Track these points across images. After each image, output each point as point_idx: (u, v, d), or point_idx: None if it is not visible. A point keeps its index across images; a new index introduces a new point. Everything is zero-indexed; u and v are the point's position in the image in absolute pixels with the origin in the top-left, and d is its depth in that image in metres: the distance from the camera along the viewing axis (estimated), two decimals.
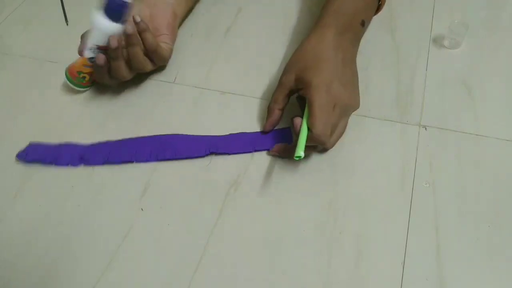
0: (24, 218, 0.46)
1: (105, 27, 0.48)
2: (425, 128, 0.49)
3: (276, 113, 0.49)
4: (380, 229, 0.43)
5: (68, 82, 0.54)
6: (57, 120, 0.54)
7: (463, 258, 0.41)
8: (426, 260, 0.41)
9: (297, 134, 0.44)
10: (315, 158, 0.48)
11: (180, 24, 0.61)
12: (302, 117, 0.45)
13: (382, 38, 0.58)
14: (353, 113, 0.50)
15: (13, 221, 0.46)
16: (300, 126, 0.44)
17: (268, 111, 0.50)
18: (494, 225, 0.42)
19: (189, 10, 0.63)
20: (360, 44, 0.51)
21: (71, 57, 0.53)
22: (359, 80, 0.48)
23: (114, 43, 0.48)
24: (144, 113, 0.54)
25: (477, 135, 0.49)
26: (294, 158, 0.42)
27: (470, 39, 0.57)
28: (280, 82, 0.48)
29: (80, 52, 0.51)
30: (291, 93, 0.48)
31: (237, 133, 0.50)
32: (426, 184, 0.45)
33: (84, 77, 0.54)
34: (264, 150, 0.49)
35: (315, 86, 0.44)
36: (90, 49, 0.50)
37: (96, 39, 0.49)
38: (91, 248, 0.44)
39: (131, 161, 0.49)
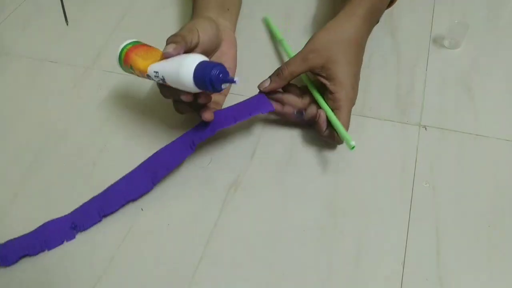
0: (24, 218, 0.46)
1: (184, 83, 0.39)
2: (425, 128, 0.49)
3: (284, 84, 0.47)
4: (380, 229, 0.43)
5: (117, 57, 0.46)
6: (57, 120, 0.54)
7: (463, 258, 0.41)
8: (426, 260, 0.41)
9: (320, 124, 0.45)
10: (315, 158, 0.48)
11: None
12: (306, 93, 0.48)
13: (382, 38, 0.58)
14: (353, 113, 0.50)
15: (13, 221, 0.46)
16: (327, 118, 0.45)
17: (276, 74, 0.47)
18: (494, 225, 0.42)
19: None
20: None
21: (71, 57, 0.52)
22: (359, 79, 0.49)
23: (188, 99, 0.42)
24: (144, 113, 0.54)
25: (477, 135, 0.48)
26: (350, 149, 0.44)
27: (470, 39, 0.56)
28: (306, 58, 0.46)
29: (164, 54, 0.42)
30: (309, 72, 0.47)
31: (215, 111, 0.47)
32: (426, 184, 0.45)
33: (132, 72, 0.46)
34: (244, 119, 0.46)
35: (346, 86, 0.46)
36: (156, 75, 0.41)
37: (169, 78, 0.40)
38: (91, 248, 0.44)
39: (128, 201, 0.46)
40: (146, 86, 0.57)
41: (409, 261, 0.41)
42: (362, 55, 0.49)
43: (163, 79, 0.41)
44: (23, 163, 0.50)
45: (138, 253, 0.43)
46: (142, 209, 0.46)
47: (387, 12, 0.61)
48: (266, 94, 0.48)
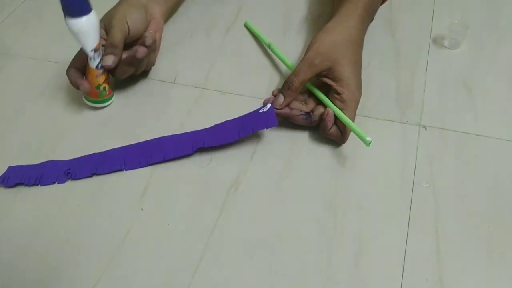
0: (24, 218, 0.46)
1: (83, 27, 0.46)
2: (425, 128, 0.49)
3: (297, 95, 0.48)
4: (380, 229, 0.43)
5: (94, 105, 0.53)
6: (57, 120, 0.54)
7: (463, 258, 0.41)
8: (426, 260, 0.41)
9: (327, 121, 0.46)
10: (315, 158, 0.48)
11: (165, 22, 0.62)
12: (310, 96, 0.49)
13: (382, 38, 0.58)
14: None
15: (13, 221, 0.46)
16: (335, 117, 0.46)
17: (288, 87, 0.47)
18: (494, 225, 0.42)
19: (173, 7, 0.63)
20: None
21: (71, 57, 0.52)
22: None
23: (151, 39, 0.51)
24: (144, 113, 0.54)
25: (477, 135, 0.49)
26: (367, 146, 0.44)
27: (470, 39, 0.57)
28: (313, 63, 0.46)
29: (78, 85, 0.50)
30: (316, 76, 0.48)
31: (221, 123, 0.50)
32: (426, 184, 0.45)
33: (104, 88, 0.52)
34: (247, 135, 0.48)
35: (351, 86, 0.46)
36: (91, 58, 0.49)
37: (88, 44, 0.47)
38: (91, 248, 0.44)
39: (120, 170, 0.48)
40: (146, 86, 0.57)
41: (409, 261, 0.41)
42: (362, 54, 0.49)
43: (93, 49, 0.48)
44: (22, 163, 0.50)
45: (138, 253, 0.43)
46: (142, 209, 0.46)
47: (386, 12, 0.61)
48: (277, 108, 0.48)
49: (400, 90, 0.53)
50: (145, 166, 0.48)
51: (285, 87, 0.47)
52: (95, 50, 0.48)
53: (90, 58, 0.49)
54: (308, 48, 0.48)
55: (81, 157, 0.49)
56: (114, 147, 0.50)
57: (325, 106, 0.47)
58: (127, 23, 0.51)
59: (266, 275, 0.41)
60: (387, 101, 0.52)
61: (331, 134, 0.47)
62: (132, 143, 0.50)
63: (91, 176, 0.48)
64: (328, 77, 0.47)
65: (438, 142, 0.48)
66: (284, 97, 0.47)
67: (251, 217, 0.44)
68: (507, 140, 0.48)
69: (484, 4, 0.62)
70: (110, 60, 0.49)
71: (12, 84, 0.59)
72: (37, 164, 0.49)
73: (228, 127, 0.49)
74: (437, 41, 0.58)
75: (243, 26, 0.62)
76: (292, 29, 0.61)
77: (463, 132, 0.49)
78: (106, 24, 0.51)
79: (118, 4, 0.54)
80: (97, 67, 0.49)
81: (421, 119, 0.50)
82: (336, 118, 0.46)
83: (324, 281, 0.40)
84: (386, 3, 0.57)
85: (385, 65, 0.55)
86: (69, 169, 0.48)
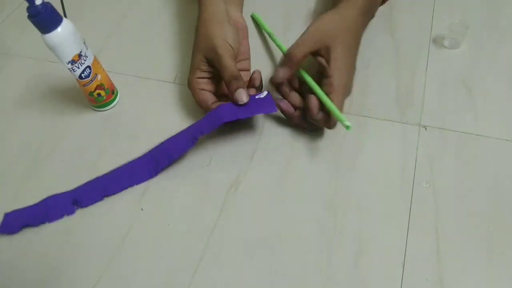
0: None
1: (53, 42, 0.46)
2: (425, 128, 0.49)
3: (297, 66, 0.48)
4: (380, 229, 0.43)
5: (96, 110, 0.54)
6: (57, 120, 0.54)
7: (463, 258, 0.41)
8: (426, 260, 0.41)
9: (312, 108, 0.45)
10: (315, 158, 0.48)
11: None
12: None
13: (382, 38, 0.58)
14: (353, 113, 0.50)
15: None
16: (318, 102, 0.45)
17: (289, 58, 0.47)
18: (494, 225, 0.42)
19: None
20: (360, 44, 0.51)
21: None
22: (359, 79, 0.49)
23: (259, 81, 0.50)
24: (144, 113, 0.54)
25: (477, 135, 0.49)
26: (347, 129, 0.43)
27: (470, 39, 0.57)
28: (314, 38, 0.47)
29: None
30: (311, 54, 0.48)
31: (215, 108, 0.47)
32: (426, 184, 0.45)
33: (99, 94, 0.51)
34: (245, 117, 0.46)
35: (342, 71, 0.46)
36: (70, 70, 0.48)
37: (65, 57, 0.47)
38: (91, 248, 0.44)
39: (131, 186, 0.47)
40: (146, 86, 0.57)
41: (409, 261, 0.41)
42: (358, 48, 0.50)
43: (70, 60, 0.47)
44: (23, 164, 0.50)
45: (138, 253, 0.43)
46: (142, 209, 0.46)
47: (387, 12, 0.61)
48: (278, 85, 0.48)
49: (400, 90, 0.53)
50: (155, 175, 0.48)
51: (287, 58, 0.47)
52: (72, 62, 0.47)
53: (69, 70, 0.48)
54: (309, 26, 0.48)
55: (84, 185, 0.48)
56: (114, 147, 0.50)
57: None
58: (230, 46, 0.48)
59: (266, 275, 0.41)
60: (387, 101, 0.52)
61: (319, 119, 0.46)
62: (132, 143, 0.50)
63: (102, 199, 0.47)
64: (324, 57, 0.47)
65: (438, 142, 0.48)
66: (285, 68, 0.47)
67: (251, 217, 0.44)
68: (507, 140, 0.48)
69: (484, 4, 0.62)
70: (244, 96, 0.46)
71: (12, 84, 0.59)
72: (35, 204, 0.47)
73: (225, 109, 0.47)
74: (437, 41, 0.58)
75: None
76: (292, 29, 0.61)
77: (463, 132, 0.49)
78: (209, 57, 0.48)
79: (204, 27, 0.50)
80: (80, 77, 0.48)
81: (421, 119, 0.50)
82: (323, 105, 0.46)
83: (324, 281, 0.40)
84: (386, 3, 0.57)
85: (385, 65, 0.55)
86: (75, 199, 0.46)
